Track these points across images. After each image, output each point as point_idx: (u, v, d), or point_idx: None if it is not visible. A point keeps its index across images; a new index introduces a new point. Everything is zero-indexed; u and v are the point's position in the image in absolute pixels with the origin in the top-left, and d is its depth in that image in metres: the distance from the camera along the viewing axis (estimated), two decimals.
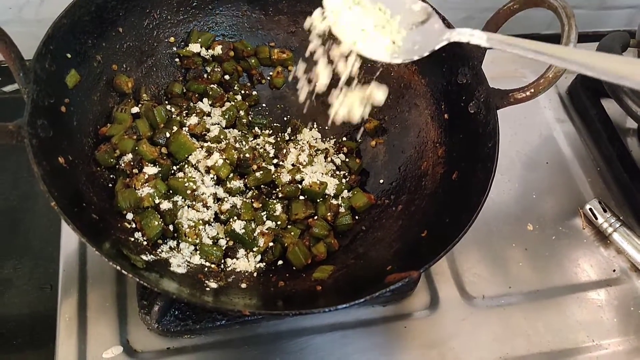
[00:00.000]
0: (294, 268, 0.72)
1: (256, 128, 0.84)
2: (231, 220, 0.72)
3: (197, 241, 0.70)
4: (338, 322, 0.75)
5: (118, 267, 0.54)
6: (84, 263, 0.75)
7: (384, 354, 0.74)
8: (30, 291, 0.82)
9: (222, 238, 0.72)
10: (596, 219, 0.87)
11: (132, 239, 0.66)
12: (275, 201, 0.76)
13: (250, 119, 0.85)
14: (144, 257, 0.63)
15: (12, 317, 0.81)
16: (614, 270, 0.85)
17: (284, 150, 0.81)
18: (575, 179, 0.95)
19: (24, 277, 0.83)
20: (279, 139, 0.84)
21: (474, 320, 0.78)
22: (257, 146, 0.80)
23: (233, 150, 0.77)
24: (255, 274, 0.70)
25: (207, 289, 0.64)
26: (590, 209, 0.88)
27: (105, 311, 0.72)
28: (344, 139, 0.86)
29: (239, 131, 0.82)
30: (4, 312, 0.81)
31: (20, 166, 0.92)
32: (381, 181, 0.82)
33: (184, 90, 0.83)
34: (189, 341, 0.71)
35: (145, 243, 0.67)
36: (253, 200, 0.75)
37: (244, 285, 0.67)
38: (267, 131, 0.84)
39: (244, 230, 0.71)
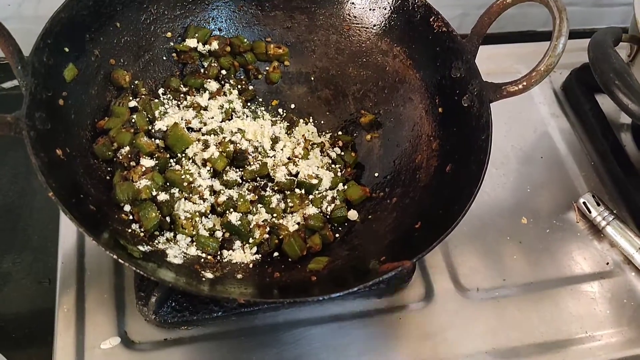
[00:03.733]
0: (289, 259, 0.73)
1: (255, 120, 0.85)
2: (227, 212, 0.73)
3: (194, 232, 0.71)
4: (334, 314, 0.75)
5: (115, 257, 0.55)
6: (82, 256, 0.76)
7: (380, 344, 0.74)
8: (29, 285, 0.83)
9: (219, 230, 0.73)
10: (590, 212, 0.88)
11: (129, 230, 0.67)
12: (271, 193, 0.77)
13: (249, 111, 0.86)
14: (140, 247, 0.64)
15: (11, 311, 0.82)
16: (607, 263, 0.86)
17: (280, 144, 0.82)
18: (570, 173, 0.95)
19: (22, 271, 0.84)
20: (274, 133, 0.84)
21: (468, 312, 0.78)
22: (253, 140, 0.81)
23: (229, 144, 0.77)
24: (250, 265, 0.71)
25: (203, 279, 0.64)
26: (584, 203, 0.88)
27: (103, 303, 0.72)
28: (340, 133, 0.87)
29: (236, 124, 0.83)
30: (3, 306, 0.81)
31: (18, 162, 0.93)
32: (376, 174, 0.82)
33: (181, 85, 0.84)
34: (186, 332, 0.72)
35: (142, 234, 0.68)
36: (249, 192, 0.76)
37: (239, 276, 0.68)
38: (265, 122, 0.85)
39: (240, 222, 0.72)
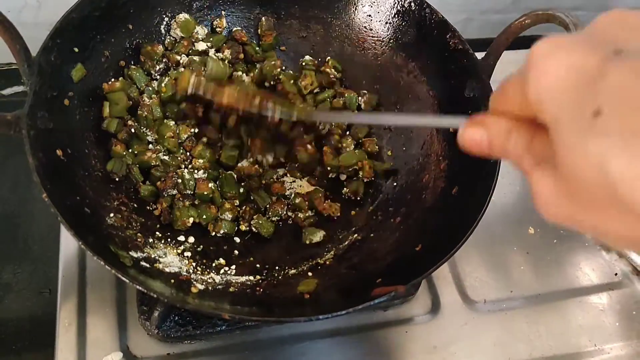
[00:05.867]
0: (279, 278, 0.71)
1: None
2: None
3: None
4: (339, 328, 0.74)
5: (102, 262, 0.53)
6: (83, 268, 0.75)
7: (386, 359, 0.73)
8: (30, 296, 0.82)
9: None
10: None
11: (123, 235, 0.66)
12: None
13: None
14: (133, 253, 0.63)
15: (11, 321, 0.80)
16: (616, 274, 0.85)
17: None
18: None
19: (23, 281, 0.83)
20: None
21: (475, 324, 0.77)
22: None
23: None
24: (243, 279, 0.70)
25: (194, 290, 0.63)
26: None
27: (104, 316, 0.71)
28: None
29: None
30: (3, 316, 0.80)
31: (18, 170, 0.92)
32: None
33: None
34: (189, 347, 0.71)
35: (138, 239, 0.67)
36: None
37: (232, 289, 0.67)
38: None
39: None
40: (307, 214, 0.76)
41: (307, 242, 0.75)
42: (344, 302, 0.59)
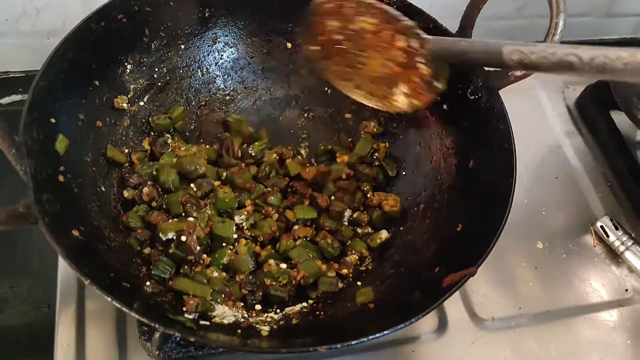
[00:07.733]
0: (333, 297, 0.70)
1: None
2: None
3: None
4: (345, 347, 0.72)
5: (178, 334, 0.53)
6: (82, 284, 0.73)
7: None
8: (28, 310, 0.80)
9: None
10: (607, 236, 0.85)
11: (167, 300, 0.65)
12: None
13: None
14: (187, 316, 0.62)
15: (8, 336, 0.79)
16: (626, 290, 0.83)
17: None
18: (586, 194, 0.92)
19: (21, 296, 0.81)
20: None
21: (483, 343, 0.76)
22: None
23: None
24: (298, 308, 0.69)
25: (263, 334, 0.62)
26: (602, 226, 0.86)
27: (104, 337, 0.70)
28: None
29: None
30: (0, 331, 0.78)
31: (17, 183, 0.90)
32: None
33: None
34: None
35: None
36: None
37: (294, 321, 0.66)
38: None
39: None
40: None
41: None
42: (421, 300, 0.57)
